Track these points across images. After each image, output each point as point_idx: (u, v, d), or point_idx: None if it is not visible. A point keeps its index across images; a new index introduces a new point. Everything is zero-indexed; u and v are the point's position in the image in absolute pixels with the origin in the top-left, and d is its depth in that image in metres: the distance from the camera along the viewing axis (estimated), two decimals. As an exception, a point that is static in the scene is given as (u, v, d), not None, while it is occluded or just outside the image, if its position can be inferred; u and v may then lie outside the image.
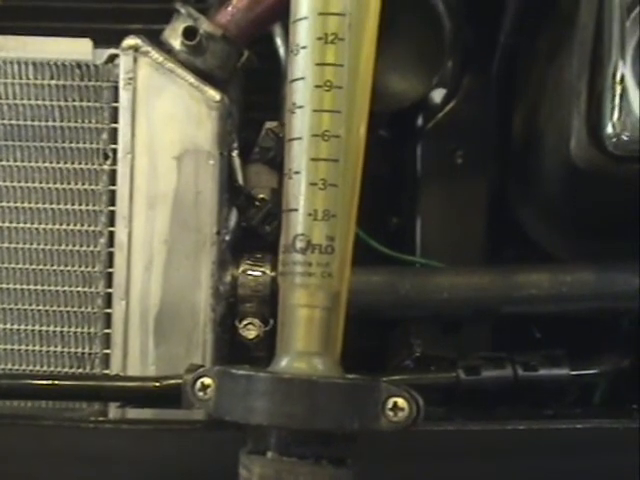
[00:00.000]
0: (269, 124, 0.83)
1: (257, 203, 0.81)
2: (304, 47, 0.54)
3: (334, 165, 0.54)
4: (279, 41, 0.89)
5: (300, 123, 0.55)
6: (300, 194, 0.54)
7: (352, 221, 0.55)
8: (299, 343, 0.55)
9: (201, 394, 0.56)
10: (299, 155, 0.55)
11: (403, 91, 0.87)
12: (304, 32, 0.54)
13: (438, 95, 0.95)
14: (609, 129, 0.67)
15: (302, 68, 0.54)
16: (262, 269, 0.79)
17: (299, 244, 0.54)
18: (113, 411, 0.73)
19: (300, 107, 0.54)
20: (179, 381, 0.68)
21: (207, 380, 0.56)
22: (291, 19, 0.55)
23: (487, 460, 0.62)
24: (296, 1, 0.54)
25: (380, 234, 0.89)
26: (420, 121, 0.95)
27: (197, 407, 0.56)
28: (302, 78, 0.54)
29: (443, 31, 0.89)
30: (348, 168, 0.54)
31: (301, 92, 0.54)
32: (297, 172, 0.54)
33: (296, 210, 0.55)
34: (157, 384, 0.70)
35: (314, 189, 0.54)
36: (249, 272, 0.79)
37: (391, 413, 0.53)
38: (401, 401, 0.53)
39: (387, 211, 0.97)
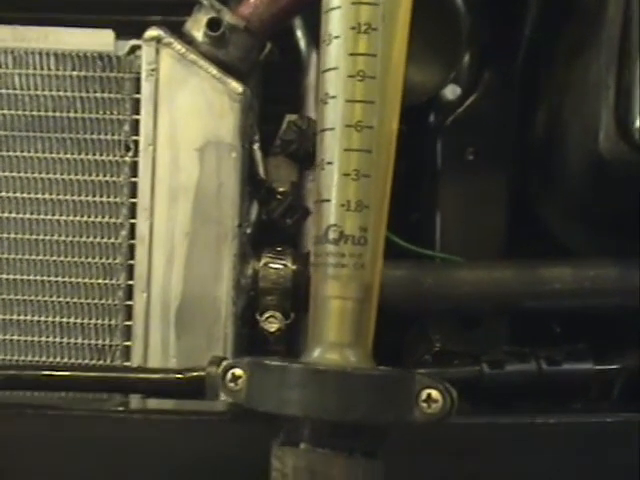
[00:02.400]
0: (290, 117, 0.83)
1: (278, 196, 0.81)
2: (337, 37, 0.54)
3: (367, 156, 0.54)
4: (300, 34, 0.89)
5: (333, 113, 0.54)
6: (333, 185, 0.54)
7: (384, 212, 0.55)
8: (331, 334, 0.54)
9: (232, 385, 0.56)
10: (332, 146, 0.54)
11: (420, 83, 0.87)
12: (337, 22, 0.54)
13: (455, 91, 0.95)
14: (638, 122, 0.66)
15: (335, 58, 0.54)
16: (283, 262, 0.79)
17: (332, 235, 0.54)
18: (135, 402, 0.73)
19: (333, 97, 0.54)
20: (202, 373, 0.68)
21: (238, 371, 0.56)
22: (324, 8, 0.55)
23: (517, 453, 0.62)
24: (330, -9, 0.54)
25: (398, 229, 0.89)
26: (439, 117, 0.95)
27: (228, 398, 0.55)
28: (335, 68, 0.54)
29: (460, 24, 0.88)
30: (381, 159, 0.54)
31: (334, 82, 0.54)
32: (330, 163, 0.54)
33: (329, 201, 0.54)
34: (180, 376, 0.69)
35: (347, 180, 0.54)
36: (270, 265, 0.79)
37: (425, 405, 0.53)
38: (435, 393, 0.53)
39: (405, 206, 0.97)
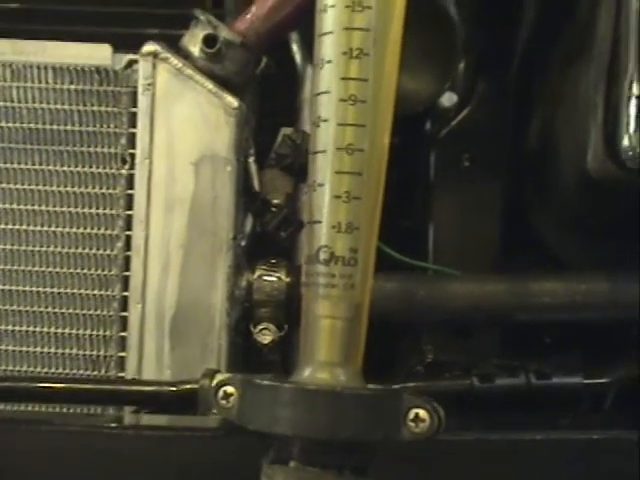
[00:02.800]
0: (286, 130, 0.83)
1: (273, 209, 0.82)
2: (329, 61, 0.55)
3: (358, 178, 0.55)
4: (295, 48, 0.90)
5: (325, 136, 0.55)
6: (324, 206, 0.55)
7: (375, 233, 0.56)
8: (322, 354, 0.55)
9: (224, 402, 0.57)
10: (323, 168, 0.55)
11: (415, 93, 0.87)
12: (329, 46, 0.55)
13: (451, 99, 0.96)
14: (625, 142, 0.67)
15: (327, 82, 0.55)
16: (277, 274, 0.80)
17: (322, 255, 0.55)
18: (128, 417, 0.73)
19: (325, 120, 0.55)
20: (195, 386, 0.68)
21: (230, 389, 0.57)
22: (316, 33, 0.56)
23: (503, 469, 0.63)
24: (321, 16, 0.55)
25: (390, 239, 0.90)
26: (435, 126, 0.96)
27: (219, 415, 0.56)
28: (327, 92, 0.55)
29: (454, 34, 0.89)
30: (371, 181, 0.55)
31: (326, 106, 0.55)
32: (321, 184, 0.55)
33: (320, 222, 0.55)
34: (173, 389, 0.70)
35: (338, 202, 0.55)
36: (264, 277, 0.80)
37: (412, 424, 0.54)
38: (422, 412, 0.54)
39: (398, 216, 0.97)
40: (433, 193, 0.95)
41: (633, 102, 0.67)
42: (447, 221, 0.94)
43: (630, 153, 0.67)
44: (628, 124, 0.67)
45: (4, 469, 0.62)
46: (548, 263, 0.90)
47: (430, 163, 0.96)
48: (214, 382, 0.58)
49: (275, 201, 0.82)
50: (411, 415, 0.54)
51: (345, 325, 0.56)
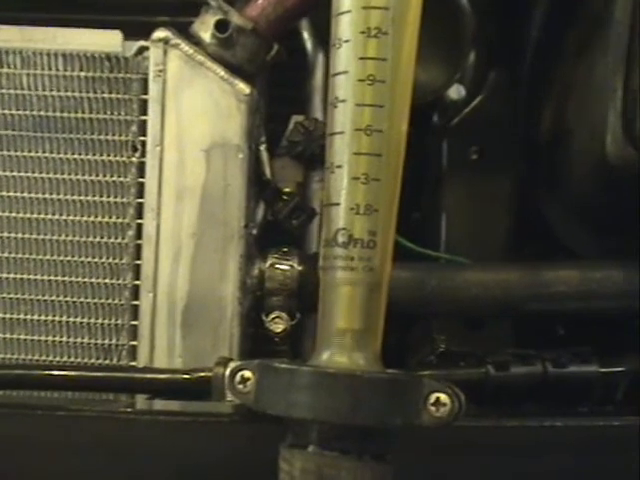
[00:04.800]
0: (297, 118, 0.83)
1: (284, 197, 0.81)
2: (347, 41, 0.54)
3: (376, 159, 0.54)
4: (306, 35, 0.89)
5: (342, 117, 0.54)
6: (342, 188, 0.54)
7: (393, 216, 0.55)
8: (340, 338, 0.55)
9: (241, 387, 0.56)
10: (341, 149, 0.54)
11: (425, 83, 0.87)
12: (347, 26, 0.54)
13: (459, 92, 0.95)
14: (646, 126, 0.66)
15: (345, 62, 0.54)
16: (290, 263, 0.79)
17: (341, 238, 0.54)
18: (141, 402, 0.73)
19: (342, 101, 0.54)
20: (209, 373, 0.68)
21: (247, 373, 0.56)
22: (334, 12, 0.55)
23: (520, 456, 0.62)
24: (339, -6, 0.54)
25: (401, 229, 0.89)
26: (444, 117, 0.95)
27: (236, 400, 0.55)
28: (345, 72, 0.54)
29: (465, 23, 0.88)
30: (390, 163, 0.54)
31: (343, 86, 0.54)
32: (339, 166, 0.54)
33: (338, 204, 0.54)
34: (187, 376, 0.70)
35: (356, 183, 0.54)
36: (277, 266, 0.79)
37: (433, 408, 0.53)
38: (443, 396, 0.53)
39: (408, 206, 0.97)
40: (444, 184, 0.95)
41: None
42: (458, 212, 0.94)
43: (650, 137, 0.66)
44: (648, 108, 0.67)
45: (18, 454, 0.62)
46: (559, 253, 0.89)
47: (442, 153, 0.95)
48: (229, 368, 0.57)
49: (286, 189, 0.82)
50: (432, 399, 0.53)
51: (364, 308, 0.55)
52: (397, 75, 0.54)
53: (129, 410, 0.65)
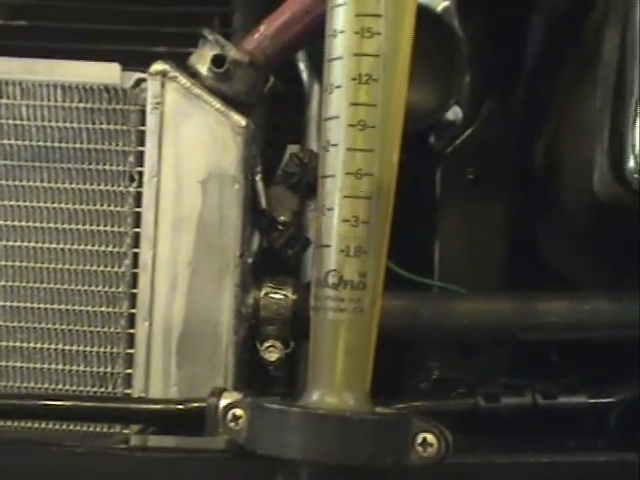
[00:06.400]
0: (292, 148, 0.84)
1: (280, 227, 0.82)
2: (338, 87, 0.55)
3: (367, 202, 0.55)
4: (302, 66, 0.90)
5: (334, 161, 0.56)
6: (333, 230, 0.55)
7: (383, 257, 0.56)
8: (330, 378, 0.56)
9: (232, 425, 0.57)
10: (332, 192, 0.55)
11: (417, 108, 0.88)
12: (339, 72, 0.55)
13: (455, 115, 0.96)
14: (631, 163, 0.67)
15: (336, 107, 0.55)
16: (284, 292, 0.80)
17: (331, 280, 0.55)
18: (135, 438, 0.74)
19: (334, 145, 0.55)
20: (203, 404, 0.69)
21: (239, 411, 0.57)
22: (326, 58, 0.56)
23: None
24: (331, 41, 0.55)
25: (396, 255, 0.90)
26: (438, 143, 0.96)
27: (227, 436, 0.56)
28: (336, 117, 0.55)
29: (459, 50, 0.89)
30: (380, 205, 0.55)
31: (335, 130, 0.55)
32: (330, 209, 0.55)
33: (329, 246, 0.55)
34: (181, 407, 0.70)
35: (347, 226, 0.55)
36: (271, 295, 0.80)
37: (420, 448, 0.54)
38: (430, 437, 0.54)
39: (403, 232, 0.97)
40: (439, 210, 0.95)
41: (638, 123, 0.68)
42: (453, 238, 0.95)
43: (636, 175, 0.67)
44: (634, 145, 0.68)
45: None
46: (555, 281, 0.90)
47: (436, 180, 0.96)
48: (222, 404, 0.58)
49: (282, 218, 0.83)
50: (419, 439, 0.54)
51: (354, 349, 0.56)
52: (387, 120, 0.55)
53: (122, 447, 0.66)
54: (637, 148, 0.68)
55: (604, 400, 0.81)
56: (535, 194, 0.90)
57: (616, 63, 0.70)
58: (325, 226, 0.56)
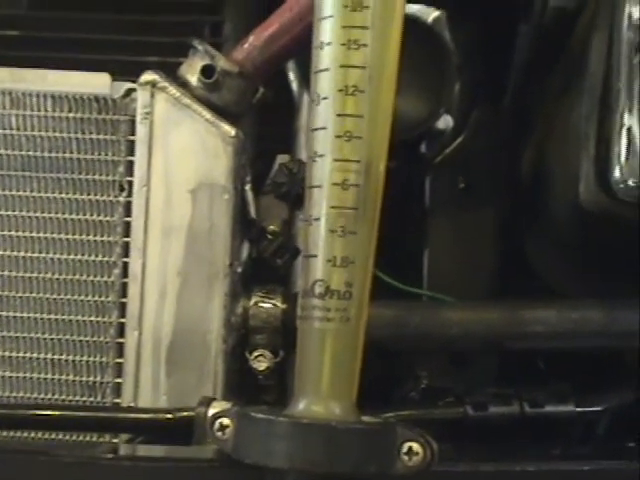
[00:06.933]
0: (282, 158, 0.84)
1: (269, 236, 0.82)
2: (325, 98, 0.56)
3: (354, 213, 0.55)
4: (292, 76, 0.91)
5: (321, 171, 0.56)
6: (320, 241, 0.56)
7: (370, 267, 0.57)
8: (317, 387, 0.56)
9: (220, 434, 0.57)
10: (319, 203, 0.56)
11: (407, 117, 0.88)
12: (326, 83, 0.56)
13: (445, 124, 0.97)
14: (617, 174, 0.68)
15: (323, 118, 0.56)
16: (273, 301, 0.81)
17: (318, 289, 0.56)
18: (124, 447, 0.74)
19: (321, 156, 0.56)
20: (192, 413, 0.69)
21: (226, 421, 0.57)
22: (313, 70, 0.57)
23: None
24: (318, 52, 0.56)
25: (385, 264, 0.90)
26: (429, 152, 0.97)
27: (215, 445, 0.56)
28: (323, 128, 0.56)
29: (448, 60, 0.90)
30: (367, 216, 0.56)
31: (322, 141, 0.56)
32: (317, 219, 0.56)
33: (315, 256, 0.56)
34: (170, 416, 0.71)
35: (333, 236, 0.55)
36: (260, 304, 0.80)
37: (406, 457, 0.54)
38: (416, 446, 0.54)
39: (393, 240, 0.98)
40: (428, 219, 0.96)
41: (624, 132, 0.68)
42: (442, 247, 0.95)
43: (622, 185, 0.68)
44: (620, 155, 0.68)
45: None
46: (544, 289, 0.91)
47: (425, 189, 0.96)
48: (210, 413, 0.58)
49: (271, 228, 0.83)
50: (404, 448, 0.54)
51: (340, 358, 0.56)
52: (374, 131, 0.56)
53: (110, 456, 0.66)
54: (623, 158, 0.68)
55: (591, 409, 0.81)
56: (523, 203, 0.90)
57: (602, 73, 0.70)
58: (312, 236, 0.56)
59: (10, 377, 0.80)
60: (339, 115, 0.55)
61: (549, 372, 0.91)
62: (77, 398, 0.79)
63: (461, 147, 0.95)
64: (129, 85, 0.78)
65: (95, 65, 0.81)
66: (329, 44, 0.55)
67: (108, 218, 0.79)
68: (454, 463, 0.60)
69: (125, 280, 0.78)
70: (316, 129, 0.56)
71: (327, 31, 0.56)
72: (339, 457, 0.54)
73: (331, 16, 0.55)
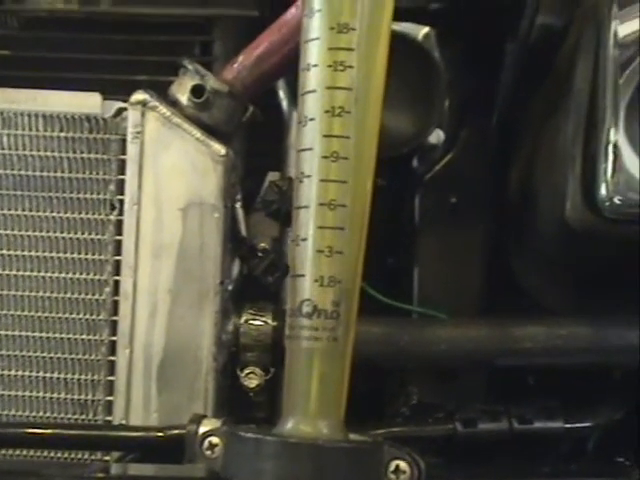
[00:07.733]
0: (272, 176, 0.85)
1: (259, 254, 0.83)
2: (312, 119, 0.56)
3: (340, 233, 0.56)
4: (282, 94, 0.91)
5: (307, 192, 0.57)
6: (307, 260, 0.56)
7: (357, 287, 0.57)
8: (305, 406, 0.56)
9: (209, 453, 0.58)
10: (306, 223, 0.56)
11: (397, 134, 0.89)
12: (312, 105, 0.56)
13: (437, 138, 0.97)
14: (603, 192, 0.69)
15: (310, 139, 0.56)
16: (264, 319, 0.81)
17: (305, 309, 0.56)
18: (115, 467, 0.74)
19: (308, 176, 0.56)
20: (183, 431, 0.69)
21: (215, 439, 0.58)
22: (300, 91, 0.57)
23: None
24: (305, 74, 0.56)
25: (376, 279, 0.91)
26: (420, 168, 0.97)
27: (206, 464, 0.57)
28: (310, 149, 0.56)
29: (438, 77, 0.91)
30: (354, 236, 0.56)
31: (309, 162, 0.56)
32: (304, 239, 0.56)
33: (303, 276, 0.56)
34: (160, 434, 0.71)
35: (320, 256, 0.56)
36: (251, 321, 0.81)
37: (393, 476, 0.55)
38: (403, 464, 0.55)
39: (383, 255, 0.99)
40: (418, 235, 0.96)
41: (611, 149, 0.69)
42: (432, 263, 0.95)
43: (608, 203, 0.68)
44: (606, 172, 0.69)
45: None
46: (533, 306, 0.91)
47: (415, 205, 0.97)
48: (200, 432, 0.59)
49: (262, 245, 0.84)
50: (392, 467, 0.55)
51: (328, 377, 0.57)
52: (360, 151, 0.56)
53: (101, 476, 0.66)
54: (609, 174, 0.69)
55: (580, 425, 0.82)
56: (511, 221, 0.91)
57: (588, 91, 0.71)
58: (299, 256, 0.57)
59: (2, 395, 0.80)
60: (325, 136, 0.56)
61: (538, 388, 0.92)
62: (69, 416, 0.79)
63: (450, 164, 0.96)
64: (120, 104, 0.79)
65: (86, 84, 0.82)
66: (315, 66, 0.56)
67: (99, 236, 0.79)
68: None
69: (116, 298, 0.79)
70: (303, 150, 0.57)
71: (314, 53, 0.56)
72: (326, 476, 0.54)
73: (317, 38, 0.56)
